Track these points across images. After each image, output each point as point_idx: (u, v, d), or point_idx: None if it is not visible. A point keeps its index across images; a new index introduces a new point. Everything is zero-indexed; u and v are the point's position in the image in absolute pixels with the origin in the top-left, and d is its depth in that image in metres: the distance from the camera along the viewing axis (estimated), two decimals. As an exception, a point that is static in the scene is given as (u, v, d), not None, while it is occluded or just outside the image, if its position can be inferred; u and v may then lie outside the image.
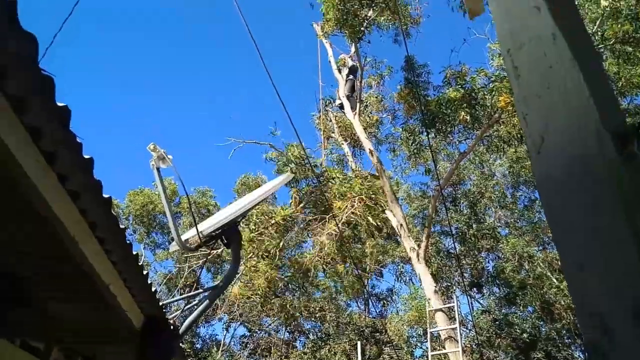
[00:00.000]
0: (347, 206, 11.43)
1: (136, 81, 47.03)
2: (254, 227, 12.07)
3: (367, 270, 19.70)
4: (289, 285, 17.63)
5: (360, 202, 11.51)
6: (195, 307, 3.29)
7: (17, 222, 2.09)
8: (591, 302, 0.87)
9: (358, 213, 11.38)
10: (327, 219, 12.13)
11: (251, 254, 12.13)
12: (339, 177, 12.45)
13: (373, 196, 11.77)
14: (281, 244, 12.23)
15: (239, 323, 21.44)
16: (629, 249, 0.83)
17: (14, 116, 1.41)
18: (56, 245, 1.94)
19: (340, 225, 11.14)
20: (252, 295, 13.26)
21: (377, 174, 12.38)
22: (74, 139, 1.50)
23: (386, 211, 12.02)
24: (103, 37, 43.41)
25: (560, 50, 1.10)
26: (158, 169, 3.25)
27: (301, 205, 12.67)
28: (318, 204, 12.85)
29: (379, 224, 11.75)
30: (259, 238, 12.04)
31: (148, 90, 46.72)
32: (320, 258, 12.26)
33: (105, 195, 1.79)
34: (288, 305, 18.17)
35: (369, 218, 11.36)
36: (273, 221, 12.00)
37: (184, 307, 3.56)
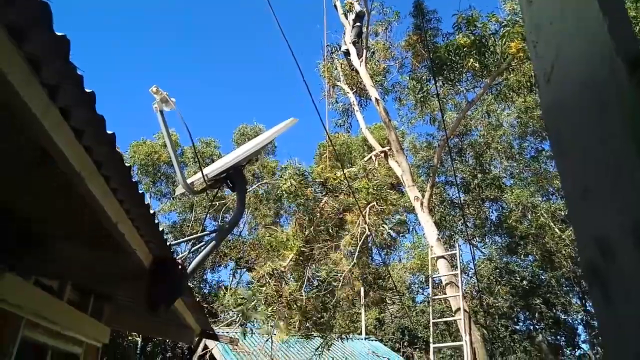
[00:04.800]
0: (358, 219, 11.10)
1: (136, 35, 45.93)
2: (271, 293, 11.58)
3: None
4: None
5: (371, 209, 11.29)
6: (203, 248, 3.37)
7: (26, 162, 2.10)
8: (592, 225, 0.88)
9: (371, 222, 11.11)
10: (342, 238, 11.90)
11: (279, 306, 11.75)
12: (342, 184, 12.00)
13: (384, 195, 11.48)
14: (305, 279, 12.14)
15: (245, 269, 21.99)
16: (636, 175, 0.82)
17: (13, 47, 1.38)
18: (64, 183, 1.95)
19: (357, 237, 10.88)
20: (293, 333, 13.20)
21: (383, 131, 12.10)
22: (75, 72, 1.47)
23: (391, 161, 12.01)
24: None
25: (576, -27, 1.05)
26: (161, 111, 3.23)
27: (308, 230, 12.19)
28: (326, 221, 12.38)
29: (392, 232, 11.51)
30: (280, 300, 11.65)
31: (150, 45, 45.69)
32: (334, 278, 12.15)
33: (109, 132, 1.78)
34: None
35: (385, 226, 11.20)
36: (286, 265, 11.51)
37: (191, 249, 3.64)
